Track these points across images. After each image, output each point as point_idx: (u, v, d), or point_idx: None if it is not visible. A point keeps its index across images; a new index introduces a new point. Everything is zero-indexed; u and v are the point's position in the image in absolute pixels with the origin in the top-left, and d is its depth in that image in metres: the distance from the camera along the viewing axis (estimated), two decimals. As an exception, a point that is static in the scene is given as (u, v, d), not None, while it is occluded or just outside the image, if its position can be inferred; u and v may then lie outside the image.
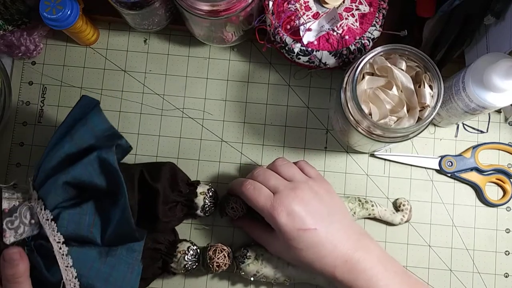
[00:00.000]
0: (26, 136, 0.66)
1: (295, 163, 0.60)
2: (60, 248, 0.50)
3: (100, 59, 0.68)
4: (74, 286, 0.50)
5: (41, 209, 0.50)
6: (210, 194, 0.61)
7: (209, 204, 0.60)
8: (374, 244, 0.55)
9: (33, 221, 0.51)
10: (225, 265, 0.59)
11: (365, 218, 0.64)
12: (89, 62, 0.68)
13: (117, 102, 0.67)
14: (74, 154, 0.52)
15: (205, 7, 0.54)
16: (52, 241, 0.50)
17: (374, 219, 0.64)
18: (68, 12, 0.59)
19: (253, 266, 0.60)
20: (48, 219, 0.50)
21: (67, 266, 0.50)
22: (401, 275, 0.53)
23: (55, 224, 0.50)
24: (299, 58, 0.61)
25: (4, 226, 0.50)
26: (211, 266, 0.59)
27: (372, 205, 0.63)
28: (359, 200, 0.63)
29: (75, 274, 0.50)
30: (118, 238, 0.52)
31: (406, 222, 0.64)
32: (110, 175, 0.52)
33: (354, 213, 0.62)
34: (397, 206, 0.64)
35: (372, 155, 0.66)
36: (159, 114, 0.67)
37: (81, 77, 0.68)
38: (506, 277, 0.64)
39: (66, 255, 0.50)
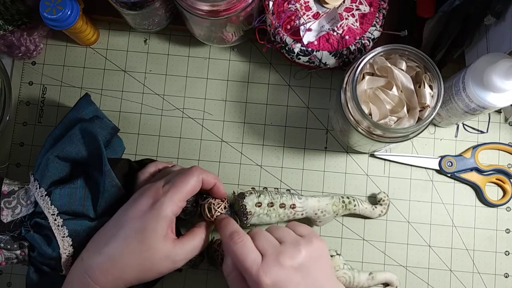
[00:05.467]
0: (26, 136, 0.66)
1: (287, 225, 0.56)
2: (55, 220, 0.53)
3: (100, 59, 0.68)
4: (69, 253, 0.53)
5: (36, 189, 0.54)
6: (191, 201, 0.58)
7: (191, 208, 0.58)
8: None
9: (29, 202, 0.55)
10: None
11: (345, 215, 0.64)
12: (89, 62, 0.68)
13: (117, 102, 0.67)
14: (62, 134, 0.57)
15: (205, 7, 0.54)
16: (47, 213, 0.53)
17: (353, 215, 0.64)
18: (68, 12, 0.59)
19: None
20: (42, 195, 0.54)
21: (63, 237, 0.53)
22: None
23: (49, 198, 0.54)
24: (299, 58, 0.61)
25: (2, 205, 0.54)
26: (216, 258, 0.59)
27: (355, 205, 0.62)
28: (343, 202, 0.62)
29: (71, 242, 0.53)
30: (110, 208, 0.55)
31: (383, 215, 0.64)
32: (92, 144, 0.56)
33: (337, 214, 0.61)
34: (377, 200, 0.64)
35: (372, 155, 0.66)
36: (159, 114, 0.67)
37: (81, 77, 0.68)
38: (506, 277, 0.64)
39: (62, 226, 0.53)
